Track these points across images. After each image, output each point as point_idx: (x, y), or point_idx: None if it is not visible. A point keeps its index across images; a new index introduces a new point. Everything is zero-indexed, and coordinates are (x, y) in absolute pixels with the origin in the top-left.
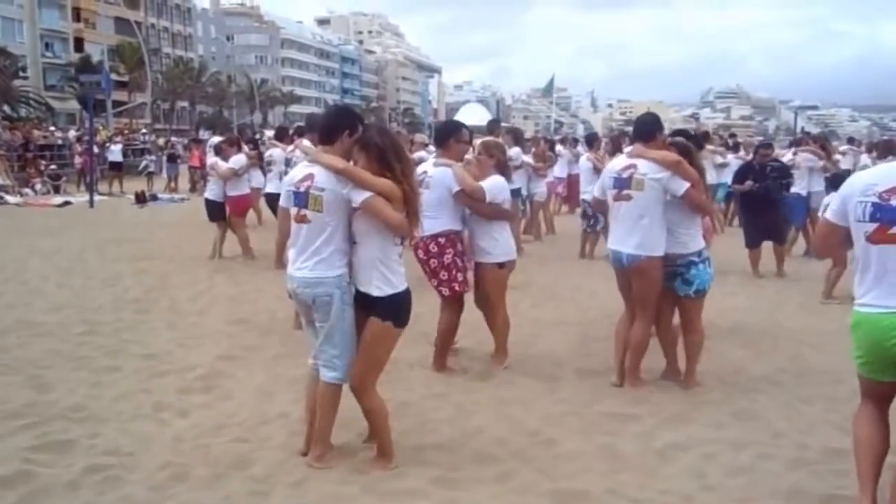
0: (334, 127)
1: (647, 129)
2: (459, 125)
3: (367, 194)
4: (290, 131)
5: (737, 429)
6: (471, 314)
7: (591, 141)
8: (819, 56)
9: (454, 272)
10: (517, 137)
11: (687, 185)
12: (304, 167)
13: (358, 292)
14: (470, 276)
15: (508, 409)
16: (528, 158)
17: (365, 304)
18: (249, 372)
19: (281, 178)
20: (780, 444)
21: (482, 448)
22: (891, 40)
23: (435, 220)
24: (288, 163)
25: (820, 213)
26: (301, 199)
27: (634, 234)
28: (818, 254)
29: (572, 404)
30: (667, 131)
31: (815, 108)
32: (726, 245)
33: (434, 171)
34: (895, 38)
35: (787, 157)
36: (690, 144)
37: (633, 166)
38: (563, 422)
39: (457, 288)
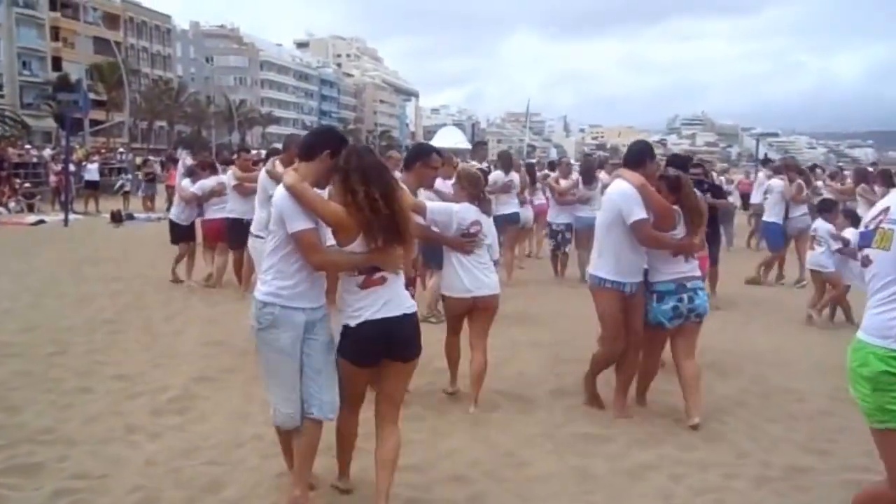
0: (315, 144)
1: (632, 156)
2: (430, 150)
3: (299, 227)
4: (265, 153)
5: (704, 449)
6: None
7: (554, 165)
8: (779, 86)
9: None
10: (505, 163)
11: (640, 214)
12: None
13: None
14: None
15: (482, 430)
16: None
17: None
18: (224, 394)
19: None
20: (744, 463)
21: (455, 469)
22: (845, 72)
23: None
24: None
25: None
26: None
27: (594, 257)
28: None
29: (545, 425)
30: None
31: (775, 135)
32: None
33: None
34: (850, 71)
35: (766, 183)
36: (683, 175)
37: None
38: (537, 443)
39: None
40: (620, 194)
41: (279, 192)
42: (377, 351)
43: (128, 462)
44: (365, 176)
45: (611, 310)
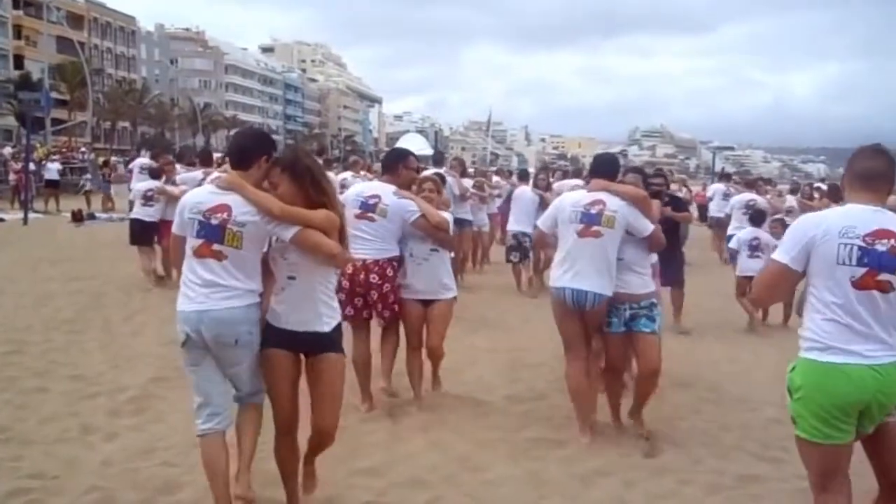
0: (253, 151)
1: (609, 167)
2: (407, 153)
3: (296, 228)
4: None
5: (658, 455)
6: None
7: (523, 176)
8: (736, 101)
9: (396, 297)
10: (464, 169)
11: (651, 225)
12: (210, 194)
13: (287, 334)
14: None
15: (439, 434)
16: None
17: (299, 344)
18: (181, 394)
19: None
20: (698, 470)
21: (413, 473)
22: (799, 90)
23: (390, 244)
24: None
25: (730, 245)
26: (215, 232)
27: (601, 272)
28: (763, 302)
29: (501, 430)
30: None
31: (731, 148)
32: None
33: (391, 201)
34: (803, 88)
35: (736, 197)
36: (640, 184)
37: (602, 202)
38: (492, 447)
39: (395, 312)
40: (630, 210)
41: (247, 207)
42: None
43: (83, 462)
44: (325, 176)
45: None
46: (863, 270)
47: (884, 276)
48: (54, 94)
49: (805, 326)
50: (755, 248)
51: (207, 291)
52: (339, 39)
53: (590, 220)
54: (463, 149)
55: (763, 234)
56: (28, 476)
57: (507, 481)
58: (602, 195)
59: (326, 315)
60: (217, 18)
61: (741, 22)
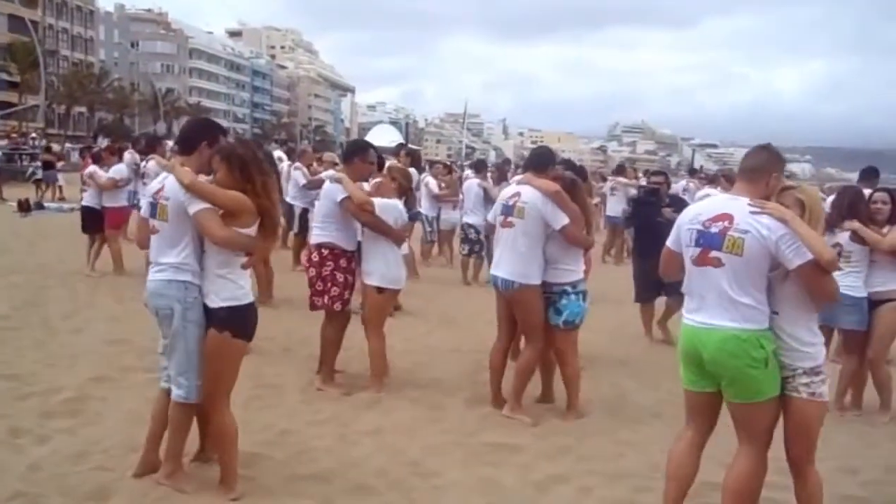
0: (193, 137)
1: (539, 161)
2: (367, 146)
3: (199, 206)
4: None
5: (617, 461)
6: (362, 341)
7: (479, 167)
8: (718, 98)
9: (329, 286)
10: (415, 160)
11: (565, 219)
12: (162, 178)
13: (204, 306)
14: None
15: (392, 438)
16: (433, 182)
17: (207, 317)
18: (121, 395)
19: None
20: (657, 476)
21: (360, 479)
22: (785, 86)
23: (322, 230)
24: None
25: None
26: (153, 209)
27: (511, 260)
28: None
29: (457, 434)
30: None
31: (714, 146)
32: (623, 275)
33: (326, 186)
34: (789, 84)
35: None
36: (577, 179)
37: (518, 194)
38: (446, 452)
39: (325, 302)
40: (543, 202)
41: (175, 185)
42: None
43: (10, 467)
44: (261, 167)
45: (541, 309)
46: (699, 250)
47: (714, 254)
48: (4, 76)
49: None
50: None
51: (151, 263)
52: (310, 25)
53: (506, 212)
54: (438, 141)
55: None
56: None
57: (456, 487)
58: (522, 188)
59: (214, 293)
60: None
61: (725, 16)
